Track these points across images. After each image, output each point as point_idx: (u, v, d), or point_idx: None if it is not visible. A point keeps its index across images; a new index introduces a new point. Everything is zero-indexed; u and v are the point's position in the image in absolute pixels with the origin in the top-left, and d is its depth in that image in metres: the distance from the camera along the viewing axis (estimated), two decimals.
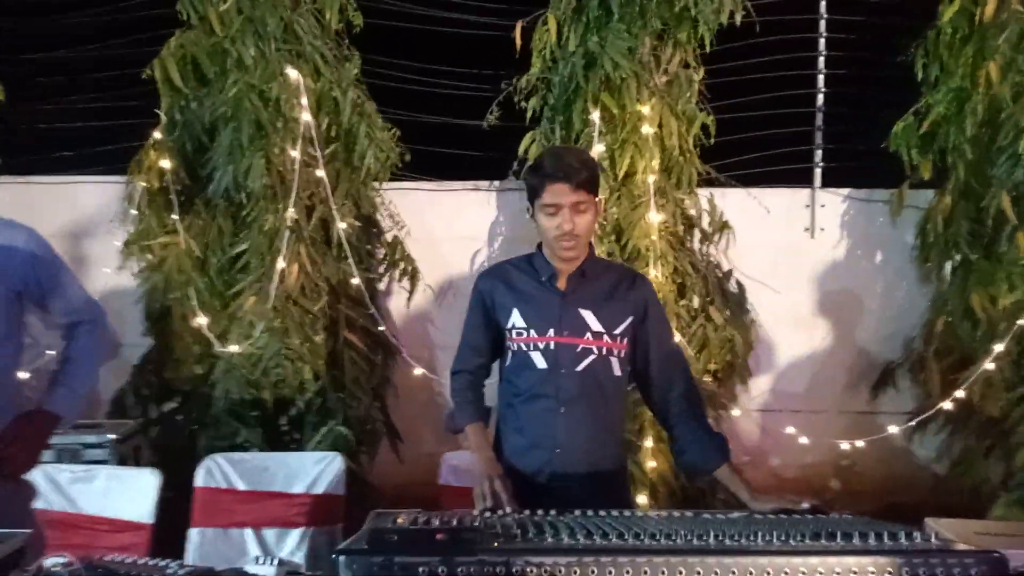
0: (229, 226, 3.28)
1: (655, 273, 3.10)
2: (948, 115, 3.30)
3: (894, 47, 3.64)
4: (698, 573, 1.15)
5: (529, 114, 3.49)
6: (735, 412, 3.53)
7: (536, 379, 1.82)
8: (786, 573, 1.16)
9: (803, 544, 1.24)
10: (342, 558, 1.21)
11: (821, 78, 3.93)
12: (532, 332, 1.83)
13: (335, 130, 3.38)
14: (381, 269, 3.65)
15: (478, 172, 3.92)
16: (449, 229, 3.99)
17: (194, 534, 2.39)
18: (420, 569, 1.18)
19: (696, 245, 3.41)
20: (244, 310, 3.11)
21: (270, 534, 2.46)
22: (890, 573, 1.17)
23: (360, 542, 1.26)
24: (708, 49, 3.31)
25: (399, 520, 1.38)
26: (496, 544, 1.24)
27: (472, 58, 3.75)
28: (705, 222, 3.40)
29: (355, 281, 3.33)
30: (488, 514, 1.47)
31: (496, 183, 4.04)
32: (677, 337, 2.93)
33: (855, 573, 1.17)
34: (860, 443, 3.45)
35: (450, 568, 1.18)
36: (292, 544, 2.45)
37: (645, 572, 1.16)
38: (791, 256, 3.89)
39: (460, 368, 1.92)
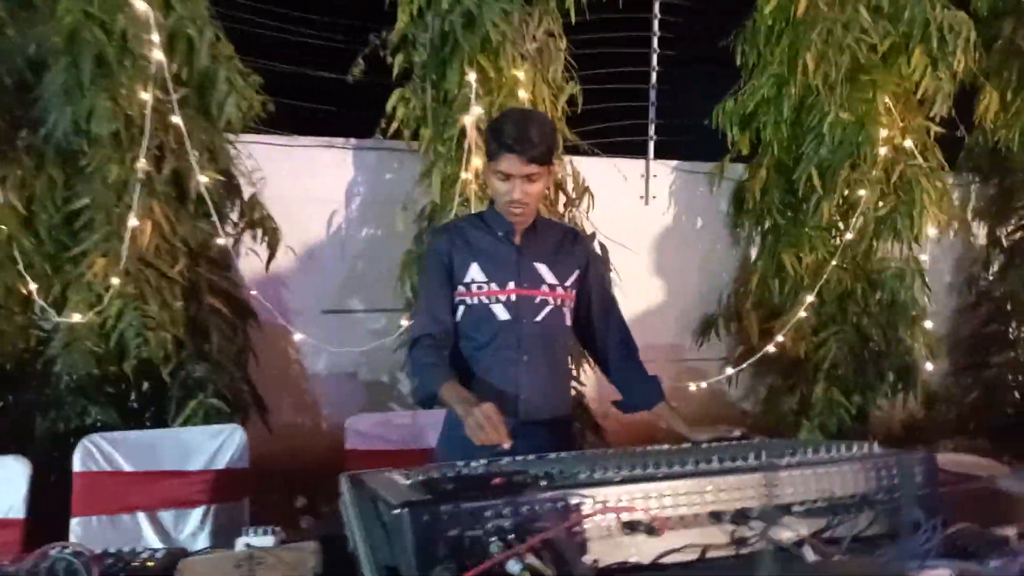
0: (61, 177, 2.84)
1: None
2: (768, 98, 3.79)
3: (719, 32, 4.10)
4: (737, 489, 1.31)
5: (396, 71, 3.43)
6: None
7: (498, 330, 1.86)
8: (797, 481, 1.36)
9: (794, 459, 1.45)
10: (405, 511, 1.19)
11: (655, 57, 4.30)
12: (493, 285, 1.87)
13: (187, 73, 3.04)
14: (237, 229, 3.38)
15: (343, 130, 3.76)
16: (302, 189, 3.80)
17: (77, 524, 2.11)
18: (487, 513, 1.20)
19: (560, 209, 3.59)
20: (92, 273, 2.73)
21: (167, 516, 2.23)
22: (861, 475, 1.42)
23: (410, 495, 1.24)
24: (573, 21, 3.47)
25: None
26: (546, 483, 1.29)
27: (339, 8, 3.56)
28: (569, 187, 3.59)
29: (220, 242, 3.06)
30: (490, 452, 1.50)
31: (353, 141, 3.91)
32: None
33: (834, 476, 1.40)
34: (703, 384, 3.91)
35: (515, 508, 1.22)
36: (194, 525, 2.24)
37: (686, 495, 1.29)
38: (629, 221, 4.25)
39: (421, 333, 1.87)
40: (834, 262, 3.70)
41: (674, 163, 4.35)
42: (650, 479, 1.31)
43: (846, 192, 3.72)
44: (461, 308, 1.89)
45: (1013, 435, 4.07)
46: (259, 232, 3.36)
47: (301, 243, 3.79)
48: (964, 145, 4.30)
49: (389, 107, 3.44)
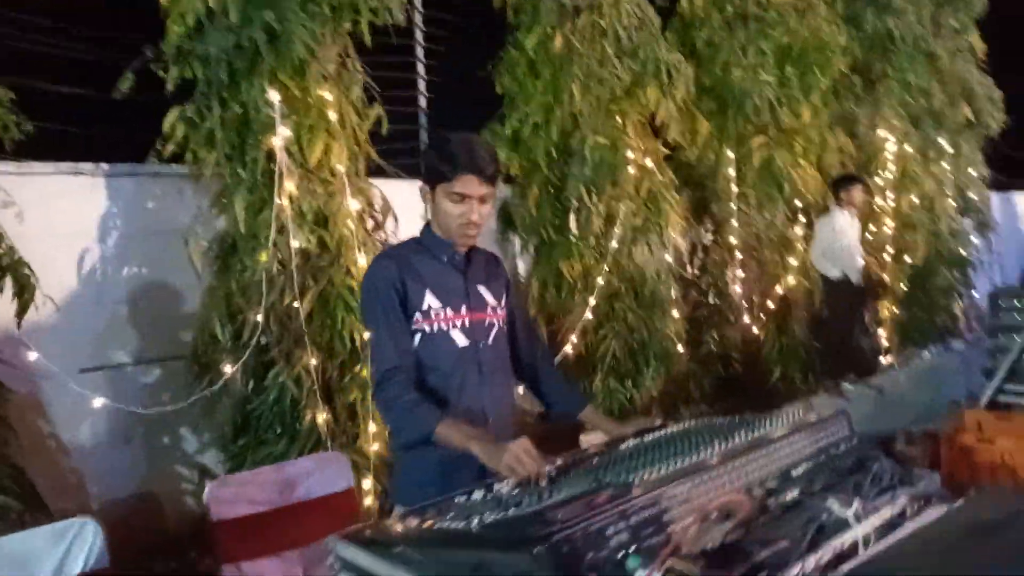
0: None
1: (362, 260, 3.11)
2: (537, 124, 4.15)
3: (480, 61, 4.36)
4: (765, 458, 1.50)
5: (171, 87, 3.03)
6: None
7: (458, 356, 1.82)
8: (782, 452, 1.60)
9: (775, 430, 1.69)
10: (543, 549, 1.14)
11: (422, 83, 4.40)
12: (448, 310, 1.83)
13: None
14: None
15: (112, 154, 3.17)
16: (44, 223, 3.12)
17: None
18: (608, 531, 1.22)
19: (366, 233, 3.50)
20: None
21: None
22: (821, 435, 1.71)
23: (525, 532, 1.20)
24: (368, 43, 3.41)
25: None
26: (640, 490, 1.34)
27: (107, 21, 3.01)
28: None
29: None
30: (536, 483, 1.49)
31: (105, 166, 3.33)
32: None
33: (808, 439, 1.68)
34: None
35: (626, 519, 1.25)
36: None
37: (740, 473, 1.44)
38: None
39: (389, 367, 1.73)
40: (606, 267, 4.19)
41: None
42: (705, 468, 1.44)
43: (608, 206, 4.23)
44: (418, 337, 1.81)
45: (722, 396, 5.01)
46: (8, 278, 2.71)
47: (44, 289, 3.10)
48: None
49: (167, 126, 3.03)
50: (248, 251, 3.06)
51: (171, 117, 3.04)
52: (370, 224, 3.51)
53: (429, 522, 1.43)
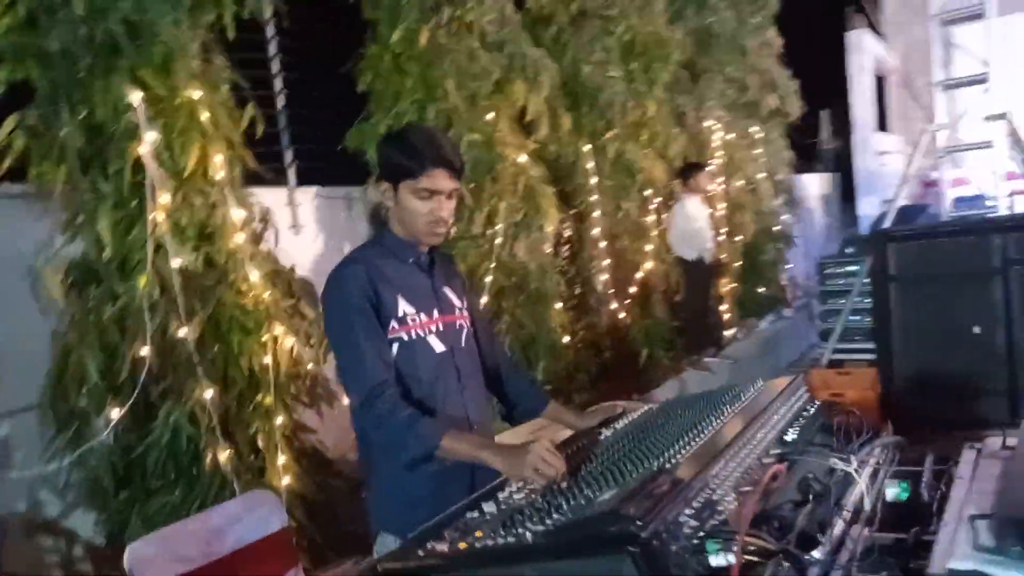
0: None
1: (254, 276, 2.82)
2: (412, 122, 4.00)
3: (341, 58, 4.13)
4: (769, 425, 1.54)
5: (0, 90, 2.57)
6: None
7: (438, 363, 1.71)
8: (772, 420, 1.66)
9: (761, 400, 1.75)
10: (637, 549, 1.08)
11: (278, 82, 4.09)
12: (423, 316, 1.71)
13: None
14: None
15: None
16: None
17: None
18: (681, 519, 1.18)
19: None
20: None
21: None
22: (794, 401, 1.80)
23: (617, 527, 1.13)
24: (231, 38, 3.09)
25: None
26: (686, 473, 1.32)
27: None
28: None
29: None
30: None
31: None
32: None
33: (786, 405, 1.75)
34: None
35: (692, 507, 1.22)
36: None
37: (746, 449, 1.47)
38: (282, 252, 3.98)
39: (376, 382, 1.57)
40: (491, 265, 4.14)
41: (314, 189, 4.23)
42: (726, 444, 1.46)
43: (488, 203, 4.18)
44: (396, 346, 1.66)
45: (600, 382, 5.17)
46: None
47: None
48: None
49: (3, 135, 2.56)
50: (117, 276, 2.66)
51: (6, 127, 2.57)
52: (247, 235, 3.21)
53: (464, 543, 1.32)
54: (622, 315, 5.48)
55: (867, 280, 5.57)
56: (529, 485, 1.39)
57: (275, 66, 4.07)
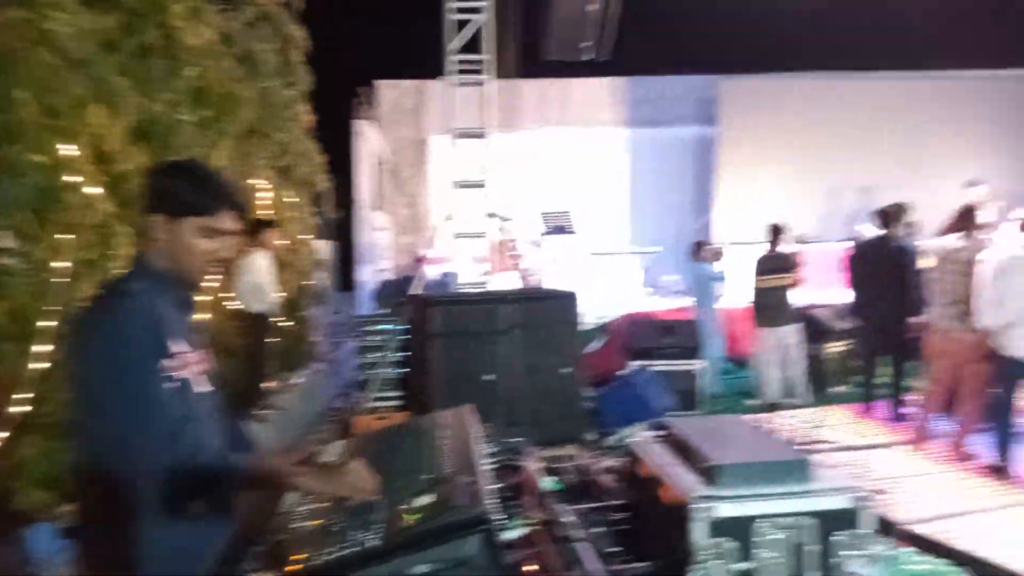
0: None
1: None
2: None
3: None
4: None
5: None
6: None
7: (207, 402, 1.71)
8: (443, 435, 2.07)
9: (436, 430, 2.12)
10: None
11: None
12: (191, 354, 1.64)
13: None
14: None
15: None
16: None
17: None
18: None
19: None
20: None
21: None
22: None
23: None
24: None
25: None
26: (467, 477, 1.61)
27: None
28: None
29: None
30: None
31: None
32: None
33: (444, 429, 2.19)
34: None
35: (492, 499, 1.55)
36: None
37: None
38: None
39: (178, 417, 1.44)
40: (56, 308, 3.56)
41: None
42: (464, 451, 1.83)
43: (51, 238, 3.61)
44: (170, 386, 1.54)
45: None
46: None
47: None
48: None
49: None
50: None
51: None
52: None
53: (294, 567, 1.39)
54: None
55: (404, 336, 6.46)
56: (347, 503, 1.51)
57: None
